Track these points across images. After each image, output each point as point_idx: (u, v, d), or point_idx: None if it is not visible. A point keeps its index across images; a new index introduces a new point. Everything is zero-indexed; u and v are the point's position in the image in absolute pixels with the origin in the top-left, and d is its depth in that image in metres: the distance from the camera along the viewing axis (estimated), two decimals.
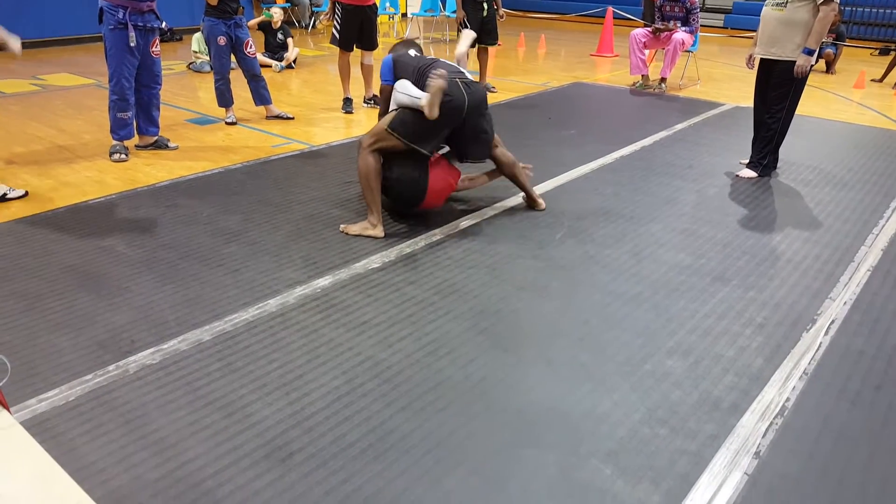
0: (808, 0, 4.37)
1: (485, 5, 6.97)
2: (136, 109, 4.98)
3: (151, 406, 2.31)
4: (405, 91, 3.63)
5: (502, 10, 7.23)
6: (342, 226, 3.73)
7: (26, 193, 4.20)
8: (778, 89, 4.62)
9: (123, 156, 4.95)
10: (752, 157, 4.91)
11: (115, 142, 4.98)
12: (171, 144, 5.27)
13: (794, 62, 4.46)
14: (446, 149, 4.03)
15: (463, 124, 3.71)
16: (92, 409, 2.29)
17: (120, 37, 4.62)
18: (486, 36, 7.14)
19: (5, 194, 4.12)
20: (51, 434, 2.16)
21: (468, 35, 4.28)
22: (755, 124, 4.91)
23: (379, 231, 3.65)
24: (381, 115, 3.94)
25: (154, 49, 4.88)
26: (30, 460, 1.28)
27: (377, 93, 6.72)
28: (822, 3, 4.30)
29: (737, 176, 4.82)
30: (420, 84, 3.60)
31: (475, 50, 7.25)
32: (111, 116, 4.89)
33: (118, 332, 2.74)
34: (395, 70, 3.82)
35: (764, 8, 4.65)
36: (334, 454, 2.09)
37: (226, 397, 2.35)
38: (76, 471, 2.01)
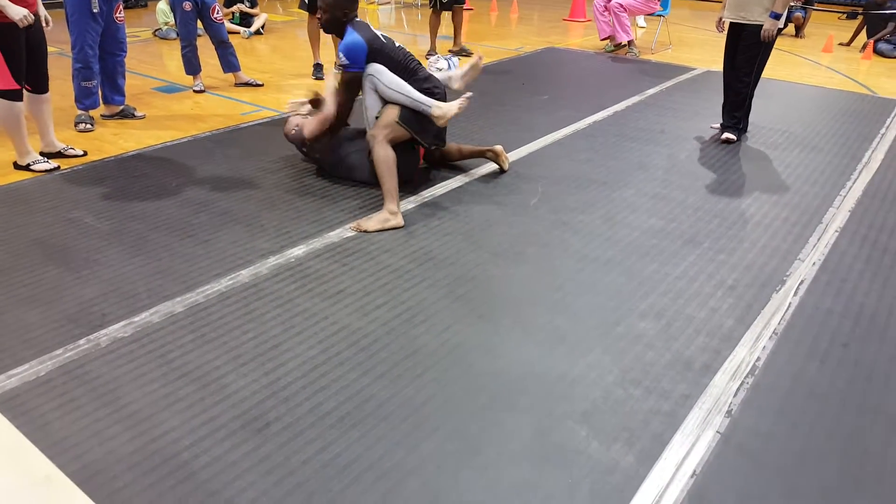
0: None
1: None
2: (101, 78, 4.86)
3: (124, 379, 2.28)
4: (402, 90, 3.58)
5: None
6: (354, 225, 3.40)
7: (85, 153, 4.34)
8: (746, 53, 4.64)
9: (89, 125, 4.84)
10: (725, 121, 4.93)
11: (80, 111, 4.86)
12: (137, 113, 5.16)
13: (762, 26, 4.47)
14: None
15: None
16: (63, 384, 2.25)
17: (83, 3, 4.49)
18: None
19: (62, 150, 4.26)
20: (22, 410, 2.13)
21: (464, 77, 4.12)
22: (725, 88, 4.93)
23: (400, 219, 3.44)
24: (345, 104, 3.70)
25: (118, 15, 4.75)
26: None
27: None
28: None
29: (722, 140, 4.82)
30: (416, 87, 3.64)
31: (449, 13, 7.19)
32: (75, 85, 4.76)
33: (88, 306, 2.70)
34: (370, 58, 3.59)
35: None
36: (311, 423, 2.09)
37: (200, 369, 2.34)
38: (49, 446, 1.99)
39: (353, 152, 3.89)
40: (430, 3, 7.15)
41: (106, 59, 4.82)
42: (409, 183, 3.86)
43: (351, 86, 3.67)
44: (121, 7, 4.78)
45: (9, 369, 2.32)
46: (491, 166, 4.22)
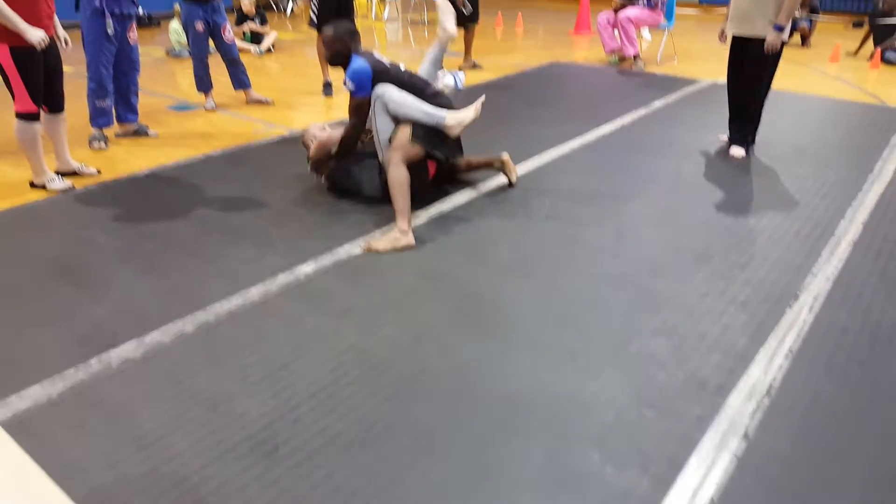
0: None
1: None
2: (115, 97, 4.92)
3: (134, 400, 2.28)
4: (412, 105, 3.61)
5: None
6: (365, 245, 3.35)
7: (99, 171, 4.38)
8: (754, 67, 4.57)
9: (103, 144, 4.89)
10: (734, 136, 4.87)
11: (94, 130, 4.91)
12: (150, 132, 5.20)
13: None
14: None
15: None
16: (74, 405, 2.25)
17: (97, 24, 4.56)
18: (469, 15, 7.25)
19: (77, 169, 4.32)
20: (32, 432, 2.13)
21: (450, 12, 4.16)
22: (730, 102, 4.88)
23: (411, 238, 3.37)
24: (354, 128, 3.76)
25: (131, 35, 4.82)
26: (6, 459, 1.25)
27: None
28: None
29: (731, 155, 4.75)
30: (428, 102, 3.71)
31: (459, 30, 7.24)
32: (90, 105, 4.82)
33: (100, 326, 2.70)
34: (376, 80, 3.66)
35: None
36: (320, 447, 2.08)
37: (209, 390, 2.33)
38: (58, 469, 1.97)
39: (361, 168, 3.89)
40: None
41: (120, 79, 4.88)
42: (420, 199, 3.86)
43: (359, 111, 3.72)
44: (134, 27, 4.85)
45: (20, 389, 2.32)
46: (498, 181, 4.21)
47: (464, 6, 7.14)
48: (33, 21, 3.68)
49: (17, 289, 2.98)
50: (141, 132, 5.17)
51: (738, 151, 4.76)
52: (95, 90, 4.74)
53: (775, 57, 4.51)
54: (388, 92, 3.61)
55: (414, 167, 3.67)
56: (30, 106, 3.84)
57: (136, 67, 4.96)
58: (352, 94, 3.68)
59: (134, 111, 5.10)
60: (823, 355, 2.55)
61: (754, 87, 4.63)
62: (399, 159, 3.55)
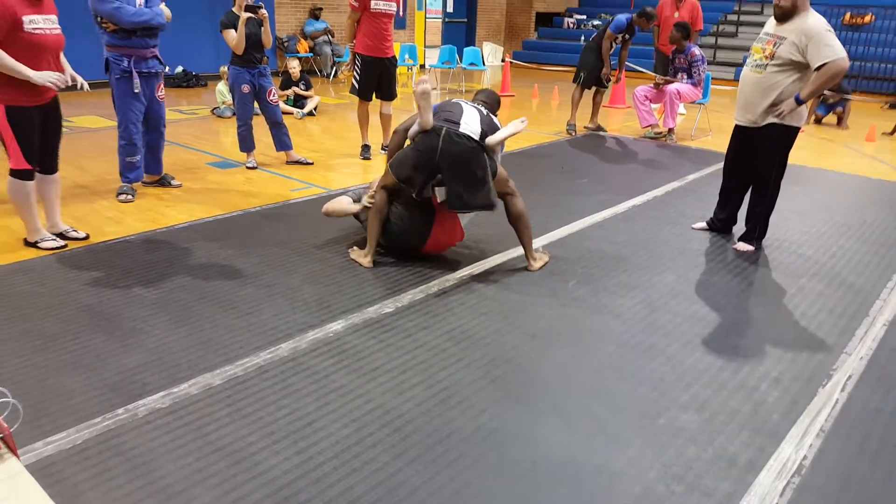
0: (788, 63, 3.94)
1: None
2: (144, 151, 5.10)
3: (159, 451, 2.29)
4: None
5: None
6: (351, 251, 4.04)
7: (87, 236, 4.28)
8: (762, 164, 4.21)
9: (130, 196, 5.04)
10: (743, 234, 4.45)
11: (123, 183, 5.07)
12: (174, 182, 5.41)
13: (775, 126, 4.07)
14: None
15: (444, 170, 3.69)
16: (99, 454, 2.27)
17: (125, 84, 4.76)
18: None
19: (64, 232, 4.26)
20: (56, 479, 2.15)
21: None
22: (725, 188, 4.60)
23: (368, 262, 3.88)
24: None
25: (159, 93, 5.02)
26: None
27: None
28: (817, 69, 3.85)
29: (734, 249, 4.38)
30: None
31: (590, 92, 8.33)
32: (120, 160, 4.98)
33: (130, 375, 2.74)
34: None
35: (744, 68, 4.27)
36: None
37: (234, 444, 2.33)
38: None
39: (391, 221, 3.95)
40: (574, 78, 8.30)
41: (151, 135, 5.09)
42: (416, 256, 3.97)
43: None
44: (161, 86, 5.05)
45: (48, 436, 2.35)
46: None
47: (607, 80, 8.17)
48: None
49: (52, 335, 3.04)
50: (165, 181, 5.38)
51: (744, 246, 4.38)
52: (125, 147, 4.91)
53: (784, 150, 4.16)
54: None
55: (419, 218, 3.87)
56: (23, 164, 3.86)
57: (163, 124, 5.17)
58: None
59: (160, 163, 5.31)
60: (856, 435, 2.48)
61: (763, 189, 4.26)
62: (379, 183, 3.89)
